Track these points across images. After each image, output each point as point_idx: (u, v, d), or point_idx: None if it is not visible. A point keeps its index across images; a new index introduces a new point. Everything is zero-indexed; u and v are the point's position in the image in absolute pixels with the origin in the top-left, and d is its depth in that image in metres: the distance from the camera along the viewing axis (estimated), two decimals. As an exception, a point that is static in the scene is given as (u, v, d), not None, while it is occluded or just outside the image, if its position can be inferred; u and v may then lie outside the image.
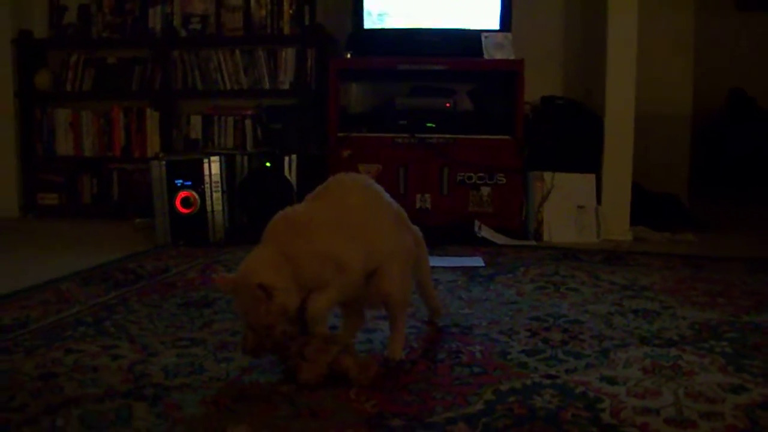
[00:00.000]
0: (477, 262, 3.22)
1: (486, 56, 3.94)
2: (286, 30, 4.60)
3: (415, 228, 2.11)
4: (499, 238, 3.72)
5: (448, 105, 4.06)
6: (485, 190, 3.87)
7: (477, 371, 1.86)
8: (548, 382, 1.78)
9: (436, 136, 3.91)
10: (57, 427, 1.52)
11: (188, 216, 3.71)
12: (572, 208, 3.92)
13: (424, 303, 2.28)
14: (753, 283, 2.88)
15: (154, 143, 4.73)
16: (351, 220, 1.85)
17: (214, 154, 3.80)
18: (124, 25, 4.77)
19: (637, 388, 1.74)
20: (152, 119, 4.74)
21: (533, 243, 3.79)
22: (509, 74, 3.95)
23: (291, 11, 4.58)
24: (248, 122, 4.60)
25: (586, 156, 4.03)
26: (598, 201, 3.97)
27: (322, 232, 1.80)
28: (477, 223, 3.75)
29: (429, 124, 3.96)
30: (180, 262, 3.26)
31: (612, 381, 1.78)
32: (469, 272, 3.03)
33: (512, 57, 3.93)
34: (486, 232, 3.72)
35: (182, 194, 3.70)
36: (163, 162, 3.74)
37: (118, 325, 2.26)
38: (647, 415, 1.57)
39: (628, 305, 2.51)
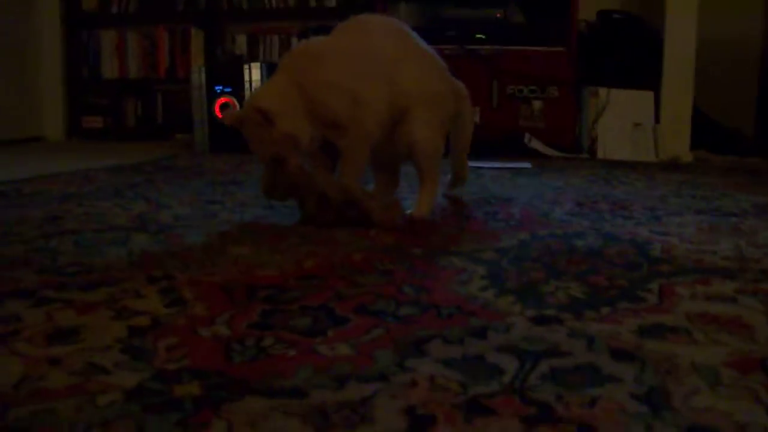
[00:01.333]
0: (524, 165, 3.03)
1: (540, -37, 3.72)
2: (336, -54, 4.44)
3: (459, 82, 1.92)
4: (550, 151, 3.52)
5: (498, 15, 3.84)
6: (537, 104, 3.66)
7: (513, 224, 1.69)
8: (593, 231, 1.60)
9: (486, 47, 3.70)
10: (50, 247, 1.40)
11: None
12: (628, 125, 3.68)
13: (450, 166, 2.04)
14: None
15: (198, 63, 4.61)
16: (374, 56, 1.67)
17: (256, 61, 3.66)
18: (170, -57, 4.66)
19: (693, 239, 1.55)
20: (197, 39, 4.64)
21: (586, 156, 3.57)
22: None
23: (340, -76, 4.41)
24: (294, 40, 4.46)
25: (644, 73, 3.78)
26: (657, 120, 3.73)
27: (337, 62, 1.63)
28: (527, 134, 3.55)
29: (479, 35, 3.75)
30: (214, 161, 3.14)
31: (664, 234, 1.60)
32: (515, 171, 2.85)
33: (568, -36, 3.70)
34: (536, 144, 3.52)
35: (221, 100, 3.58)
36: (203, 67, 3.62)
37: (138, 193, 2.14)
38: (703, 255, 1.39)
39: (686, 192, 2.30)
